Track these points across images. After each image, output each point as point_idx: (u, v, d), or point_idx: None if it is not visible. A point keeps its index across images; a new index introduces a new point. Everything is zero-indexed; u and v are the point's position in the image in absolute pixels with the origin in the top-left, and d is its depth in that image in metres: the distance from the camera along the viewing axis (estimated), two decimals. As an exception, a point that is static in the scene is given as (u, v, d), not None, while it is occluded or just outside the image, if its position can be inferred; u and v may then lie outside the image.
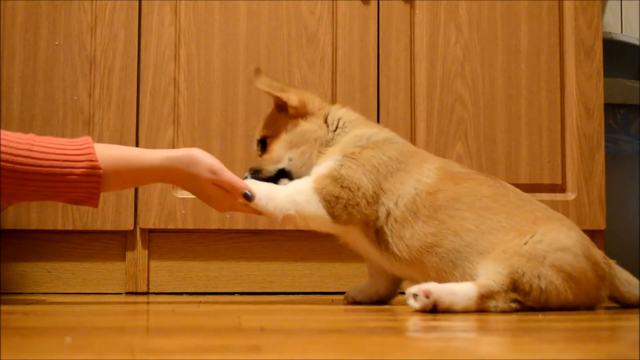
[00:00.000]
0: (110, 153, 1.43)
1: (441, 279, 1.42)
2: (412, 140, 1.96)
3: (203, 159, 1.48)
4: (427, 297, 1.30)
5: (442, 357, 0.83)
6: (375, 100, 1.97)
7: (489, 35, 2.02)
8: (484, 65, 2.02)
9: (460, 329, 1.11)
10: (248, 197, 1.48)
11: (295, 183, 1.52)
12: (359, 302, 1.62)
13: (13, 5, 1.91)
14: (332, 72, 1.97)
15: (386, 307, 1.54)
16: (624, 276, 1.47)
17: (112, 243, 1.92)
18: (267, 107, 1.95)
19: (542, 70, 2.03)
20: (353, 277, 1.96)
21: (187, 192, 1.91)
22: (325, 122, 1.60)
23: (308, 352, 0.84)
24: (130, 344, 0.90)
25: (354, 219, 1.48)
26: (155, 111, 1.92)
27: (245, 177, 1.57)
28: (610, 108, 2.31)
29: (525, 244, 1.37)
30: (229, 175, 1.49)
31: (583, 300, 1.39)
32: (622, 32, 2.77)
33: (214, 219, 1.91)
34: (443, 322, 1.18)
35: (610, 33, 2.59)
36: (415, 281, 1.46)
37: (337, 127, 1.59)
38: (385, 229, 1.48)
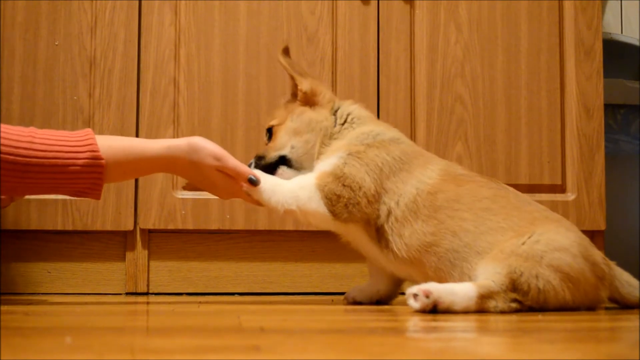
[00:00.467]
0: (111, 144, 1.43)
1: (440, 279, 1.42)
2: (412, 140, 1.96)
3: (205, 146, 1.48)
4: (427, 297, 1.31)
5: (442, 357, 0.83)
6: (375, 100, 1.97)
7: (489, 36, 2.03)
8: (484, 65, 2.02)
9: (460, 329, 1.11)
10: (253, 182, 1.48)
11: (299, 179, 1.52)
12: (359, 302, 1.62)
13: (13, 5, 1.91)
14: (332, 72, 1.97)
15: (386, 307, 1.54)
16: (624, 277, 1.47)
17: (112, 243, 1.92)
18: (267, 108, 1.95)
19: (542, 70, 2.03)
20: (353, 278, 1.96)
21: (187, 193, 1.92)
22: (334, 114, 1.61)
23: (308, 352, 0.84)
24: (130, 344, 0.90)
25: (354, 217, 1.49)
26: (155, 111, 1.92)
27: (250, 164, 1.59)
28: (610, 108, 2.31)
29: (523, 244, 1.37)
30: (233, 161, 1.49)
31: (582, 300, 1.39)
32: (622, 32, 2.77)
33: (214, 219, 1.91)
34: (443, 322, 1.18)
35: (610, 33, 2.59)
36: (415, 281, 1.46)
37: (345, 122, 1.60)
38: (386, 227, 1.48)
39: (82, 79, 1.91)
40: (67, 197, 1.87)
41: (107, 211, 1.89)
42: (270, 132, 1.62)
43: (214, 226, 1.91)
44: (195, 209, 1.91)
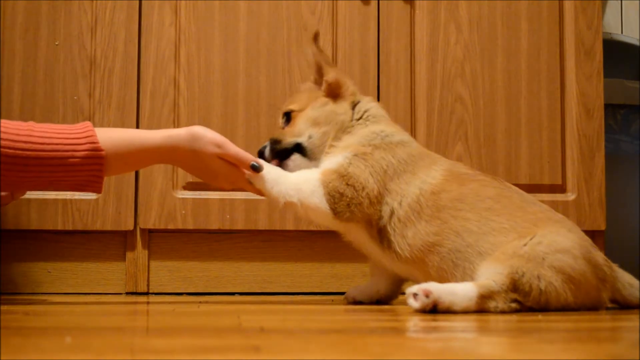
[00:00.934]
0: (110, 135, 1.42)
1: (442, 279, 1.42)
2: (412, 140, 1.96)
3: (205, 134, 1.47)
4: (427, 296, 1.30)
5: (442, 357, 0.83)
6: (375, 101, 1.97)
7: (489, 36, 2.03)
8: (484, 65, 2.02)
9: (460, 329, 1.11)
10: (256, 168, 1.48)
11: (303, 172, 1.52)
12: (359, 302, 1.62)
13: (13, 5, 1.91)
14: (332, 72, 1.97)
15: (386, 307, 1.54)
16: (625, 278, 1.47)
17: (112, 243, 1.92)
18: (267, 108, 1.95)
19: (542, 70, 2.03)
20: (353, 277, 1.96)
21: (188, 193, 1.92)
22: (353, 109, 1.60)
23: (308, 352, 0.84)
24: (130, 344, 0.90)
25: (355, 217, 1.49)
26: (155, 111, 1.92)
27: (264, 147, 1.58)
28: (610, 108, 2.31)
29: (525, 245, 1.37)
30: (234, 148, 1.48)
31: (584, 302, 1.39)
32: (622, 32, 2.77)
33: (214, 219, 1.91)
34: (443, 322, 1.18)
35: (610, 33, 2.59)
36: (417, 281, 1.46)
37: (360, 117, 1.60)
38: (388, 228, 1.48)
39: (82, 79, 1.91)
40: (68, 197, 1.87)
41: (107, 211, 1.89)
42: (288, 116, 1.61)
43: (214, 226, 1.91)
44: (195, 209, 1.91)
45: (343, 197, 1.47)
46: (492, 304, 1.33)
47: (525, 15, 2.04)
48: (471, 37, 2.02)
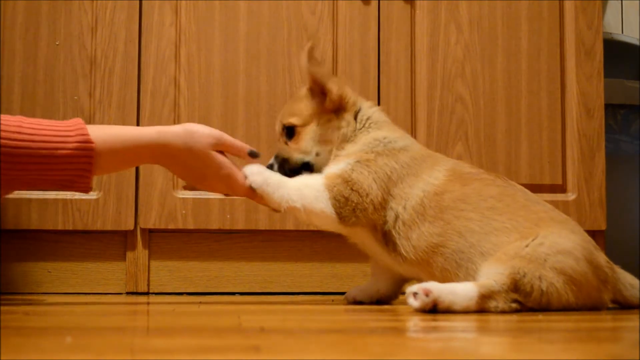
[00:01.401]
0: (104, 130, 1.39)
1: (446, 279, 1.41)
2: (413, 140, 1.96)
3: (200, 128, 1.45)
4: (427, 295, 1.31)
5: (442, 357, 0.83)
6: (375, 101, 1.97)
7: (489, 36, 2.03)
8: (484, 65, 2.02)
9: (461, 329, 1.11)
10: (254, 155, 1.47)
11: (306, 177, 1.51)
12: (359, 302, 1.62)
13: (13, 5, 1.91)
14: (333, 72, 1.97)
15: (387, 307, 1.54)
16: (627, 280, 1.47)
17: (112, 243, 1.92)
18: (267, 108, 1.95)
19: (542, 70, 2.03)
20: (353, 277, 1.96)
21: (188, 193, 1.91)
22: (355, 118, 1.58)
23: (308, 352, 0.84)
24: (131, 344, 0.90)
25: (360, 222, 1.48)
26: (156, 111, 1.92)
27: (271, 165, 1.56)
28: (610, 108, 2.31)
29: (527, 246, 1.37)
30: (230, 138, 1.47)
31: (585, 303, 1.39)
32: (622, 32, 2.77)
33: (215, 219, 1.91)
34: (443, 322, 1.18)
35: (610, 33, 2.59)
36: (422, 281, 1.46)
37: (362, 126, 1.57)
38: (393, 232, 1.48)
39: (82, 79, 1.91)
40: (68, 197, 1.87)
41: (107, 211, 1.89)
42: (290, 130, 1.57)
43: (214, 226, 1.91)
44: (196, 209, 1.91)
45: (348, 202, 1.47)
46: (492, 304, 1.33)
47: (525, 15, 2.04)
48: (471, 37, 2.02)
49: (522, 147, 2.01)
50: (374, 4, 1.99)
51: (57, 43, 1.91)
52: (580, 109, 2.03)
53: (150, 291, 1.92)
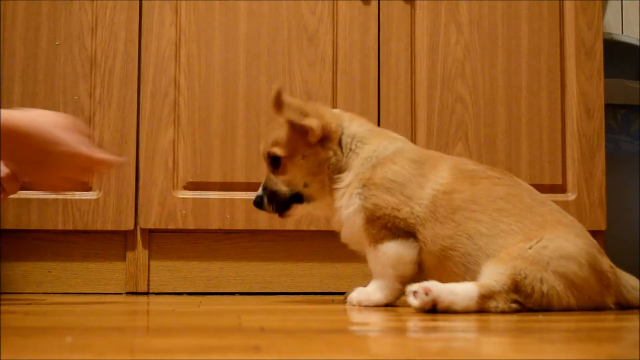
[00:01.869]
0: None
1: (454, 282, 1.41)
2: (413, 140, 1.96)
3: (54, 116, 1.27)
4: (427, 294, 1.31)
5: (442, 357, 0.83)
6: (375, 101, 1.97)
7: (489, 36, 2.02)
8: (484, 65, 2.02)
9: (461, 329, 1.11)
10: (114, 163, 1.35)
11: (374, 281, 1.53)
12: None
13: (13, 5, 1.91)
14: (333, 73, 1.97)
15: (387, 307, 1.54)
16: (629, 282, 1.46)
17: (112, 243, 1.92)
18: (267, 108, 1.95)
19: (542, 70, 2.03)
20: (353, 277, 1.96)
21: (188, 192, 1.91)
22: (339, 144, 1.56)
23: (308, 352, 0.84)
24: (131, 344, 0.90)
25: (410, 231, 1.50)
26: (156, 111, 1.92)
27: (260, 197, 1.56)
28: (610, 108, 2.30)
29: (530, 248, 1.36)
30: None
31: (587, 305, 1.39)
32: (622, 32, 2.77)
33: (215, 219, 1.91)
34: (443, 322, 1.18)
35: (610, 33, 2.58)
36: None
37: (350, 149, 1.55)
38: (418, 235, 1.49)
39: (82, 78, 1.91)
40: (68, 197, 1.87)
41: (107, 211, 1.89)
42: (275, 160, 1.55)
43: (214, 226, 1.91)
44: (196, 209, 1.91)
45: (394, 226, 1.48)
46: (492, 304, 1.33)
47: (525, 15, 2.04)
48: (471, 37, 2.02)
49: (522, 147, 2.01)
50: (374, 4, 1.99)
51: (57, 43, 1.91)
52: (580, 109, 2.03)
53: (150, 291, 1.92)
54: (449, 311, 1.31)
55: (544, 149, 2.02)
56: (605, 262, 1.43)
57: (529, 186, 1.53)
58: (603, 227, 2.00)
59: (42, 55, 1.91)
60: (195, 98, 1.94)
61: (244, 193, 1.92)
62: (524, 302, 1.34)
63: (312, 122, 1.51)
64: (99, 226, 1.89)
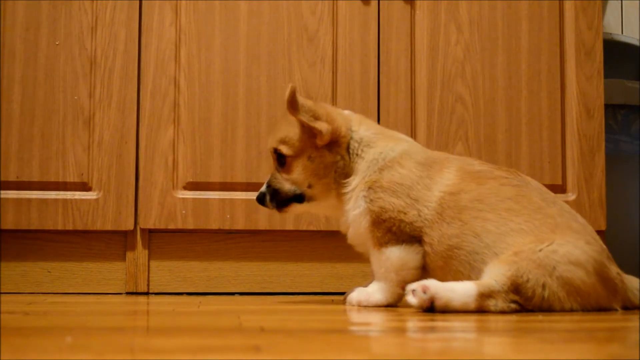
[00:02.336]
0: None
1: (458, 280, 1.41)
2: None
3: None
4: (425, 292, 1.31)
5: (442, 357, 0.83)
6: (375, 101, 1.97)
7: (489, 36, 2.03)
8: (484, 65, 2.02)
9: (461, 329, 1.11)
10: None
11: (374, 282, 1.53)
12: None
13: (13, 5, 1.91)
14: (333, 73, 1.97)
15: (387, 307, 1.54)
16: (634, 285, 1.46)
17: (112, 243, 1.92)
18: (267, 108, 1.95)
19: (542, 70, 2.03)
20: (353, 277, 1.96)
21: (188, 192, 1.91)
22: (347, 150, 1.56)
23: (308, 352, 0.84)
24: (131, 344, 0.90)
25: (403, 236, 1.49)
26: (156, 111, 1.92)
27: (263, 194, 1.57)
28: (610, 109, 2.30)
29: (540, 250, 1.36)
30: None
31: (593, 309, 1.39)
32: (622, 32, 2.77)
33: (215, 219, 1.91)
34: (443, 322, 1.18)
35: (610, 34, 2.58)
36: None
37: (356, 155, 1.56)
38: (425, 237, 1.49)
39: (82, 79, 1.91)
40: (68, 197, 1.87)
41: (107, 211, 1.89)
42: (281, 157, 1.55)
43: (214, 226, 1.91)
44: (196, 209, 1.91)
45: (399, 230, 1.48)
46: (491, 302, 1.33)
47: (525, 15, 2.04)
48: (471, 37, 2.02)
49: (522, 147, 2.01)
50: (374, 4, 1.99)
51: (57, 43, 1.91)
52: (580, 109, 2.03)
53: (150, 291, 1.92)
54: (447, 309, 1.31)
55: (544, 149, 2.02)
56: (613, 269, 1.42)
57: (539, 184, 1.53)
58: (603, 227, 2.00)
59: (42, 56, 1.91)
60: (195, 98, 1.94)
61: (244, 193, 1.92)
62: (524, 304, 1.34)
63: (322, 126, 1.52)
64: (98, 226, 1.89)
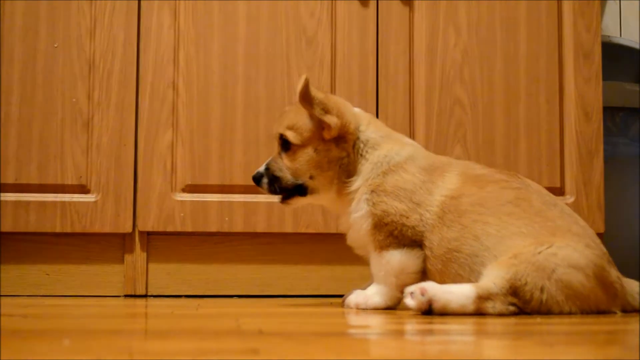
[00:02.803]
0: None
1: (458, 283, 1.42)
2: (411, 143, 1.96)
3: None
4: (423, 294, 1.31)
5: (441, 359, 0.83)
6: (374, 103, 1.97)
7: (488, 38, 2.03)
8: (482, 68, 2.02)
9: (460, 331, 1.11)
10: None
11: (374, 284, 1.54)
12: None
13: (12, 7, 1.91)
14: (331, 75, 1.97)
15: (385, 310, 1.54)
16: (634, 289, 1.46)
17: (110, 246, 1.92)
18: (265, 111, 1.95)
19: (540, 73, 2.04)
20: (352, 280, 1.96)
21: (186, 195, 1.91)
22: (354, 148, 1.56)
23: (306, 354, 0.84)
24: (129, 347, 0.89)
25: (405, 240, 1.49)
26: (154, 114, 1.92)
27: (261, 175, 1.55)
28: (609, 111, 2.31)
29: (539, 253, 1.36)
30: None
31: (592, 312, 1.38)
32: (620, 35, 2.78)
33: (213, 222, 1.91)
34: (442, 325, 1.18)
35: (609, 36, 2.59)
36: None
37: (361, 155, 1.55)
38: (425, 241, 1.49)
39: (81, 81, 1.91)
40: (66, 200, 1.87)
41: (105, 213, 1.89)
42: (286, 143, 1.54)
43: (212, 228, 1.91)
44: (194, 212, 1.91)
45: (401, 235, 1.49)
46: (490, 305, 1.33)
47: (524, 18, 2.04)
48: (470, 39, 2.02)
49: (520, 149, 2.01)
50: (373, 6, 2.00)
51: (55, 45, 1.91)
52: (579, 112, 2.04)
53: (149, 294, 1.92)
54: (445, 312, 1.31)
55: (542, 151, 2.02)
56: (614, 273, 1.42)
57: (539, 187, 1.53)
58: (602, 230, 2.00)
59: (41, 58, 1.91)
60: (193, 101, 1.94)
61: (242, 196, 1.92)
62: (522, 306, 1.34)
63: (331, 120, 1.52)
64: (97, 229, 1.89)
